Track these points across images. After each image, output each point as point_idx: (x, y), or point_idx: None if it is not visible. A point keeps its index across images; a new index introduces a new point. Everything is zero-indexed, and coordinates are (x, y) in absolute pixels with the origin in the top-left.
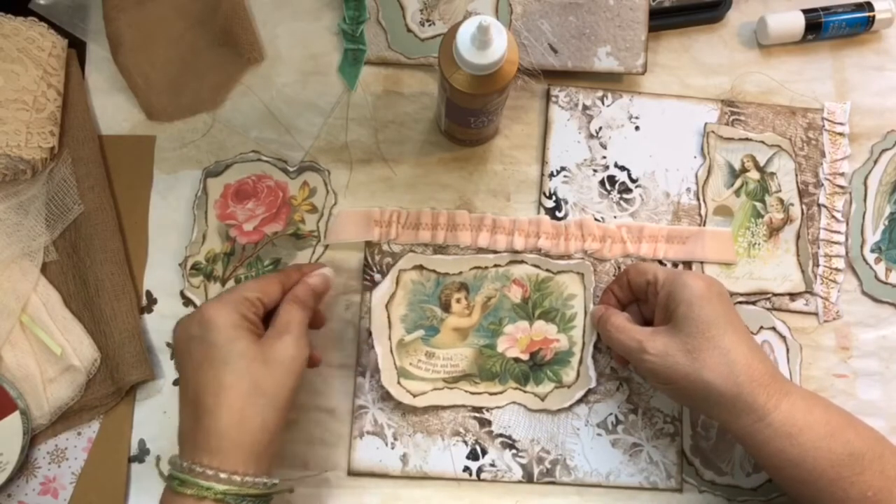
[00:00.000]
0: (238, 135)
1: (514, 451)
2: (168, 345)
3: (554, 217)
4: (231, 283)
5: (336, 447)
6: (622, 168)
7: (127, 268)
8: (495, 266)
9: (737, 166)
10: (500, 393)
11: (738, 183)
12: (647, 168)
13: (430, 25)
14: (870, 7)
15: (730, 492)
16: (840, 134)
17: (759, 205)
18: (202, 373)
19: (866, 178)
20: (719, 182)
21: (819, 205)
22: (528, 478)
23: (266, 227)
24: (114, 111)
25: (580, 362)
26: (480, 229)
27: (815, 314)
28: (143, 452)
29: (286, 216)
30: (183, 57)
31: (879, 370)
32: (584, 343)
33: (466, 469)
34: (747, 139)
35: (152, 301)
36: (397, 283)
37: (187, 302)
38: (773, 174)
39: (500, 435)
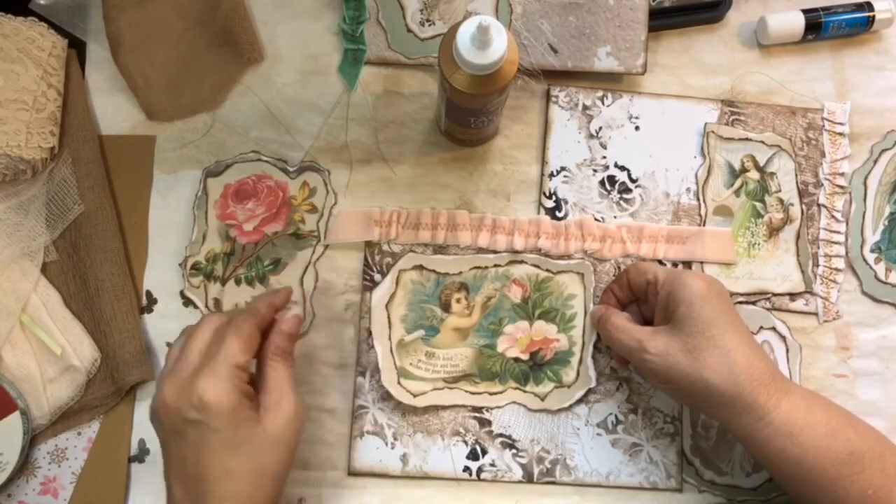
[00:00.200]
0: (238, 135)
1: (514, 450)
2: (169, 342)
3: (554, 217)
4: (231, 283)
5: (336, 447)
6: (622, 168)
7: (127, 268)
8: (495, 266)
9: (737, 166)
10: (500, 393)
11: (738, 183)
12: (647, 168)
13: (430, 25)
14: (870, 7)
15: (730, 492)
16: (840, 134)
17: (758, 205)
18: (203, 457)
19: (866, 178)
20: (719, 182)
21: (819, 205)
22: (528, 478)
23: (266, 227)
24: (114, 111)
25: (580, 362)
26: (480, 229)
27: (815, 314)
28: (143, 452)
29: (286, 216)
30: (183, 57)
31: (879, 370)
32: (583, 343)
33: (466, 469)
34: (747, 139)
35: (152, 301)
36: (397, 283)
37: (187, 302)
38: (773, 174)
39: (500, 435)
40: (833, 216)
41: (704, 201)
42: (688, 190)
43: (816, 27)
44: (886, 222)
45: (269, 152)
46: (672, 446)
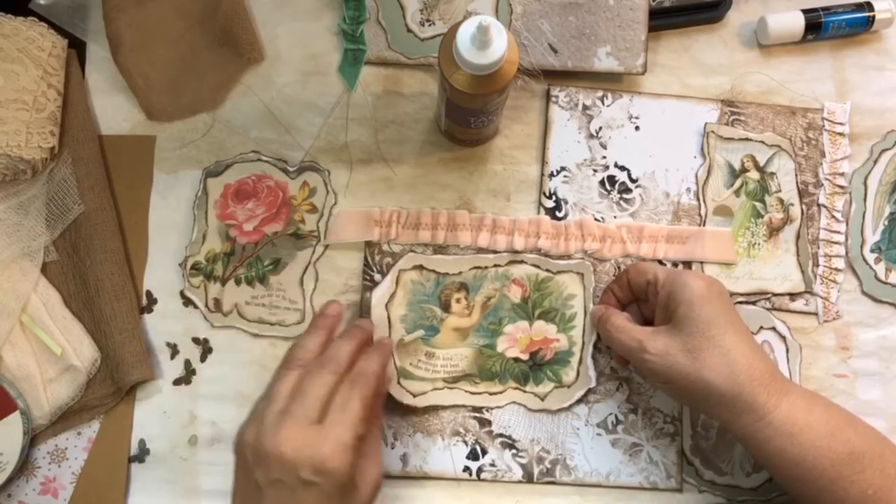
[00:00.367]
0: (238, 135)
1: (514, 450)
2: (169, 342)
3: (554, 217)
4: (231, 283)
5: None
6: (622, 168)
7: (127, 268)
8: (495, 266)
9: (737, 166)
10: (500, 393)
11: (738, 183)
12: (647, 168)
13: (430, 25)
14: (870, 7)
15: (730, 492)
16: (840, 134)
17: (758, 205)
18: None
19: (866, 178)
20: (719, 182)
21: (819, 205)
22: (528, 478)
23: (266, 227)
24: (114, 111)
25: (580, 362)
26: (480, 229)
27: (815, 314)
28: (143, 452)
29: (286, 216)
30: (183, 57)
31: (879, 370)
32: (583, 343)
33: (466, 469)
34: (747, 139)
35: (152, 301)
36: (397, 283)
37: (187, 302)
38: (773, 174)
39: (500, 435)
40: (833, 216)
41: (704, 201)
42: (688, 190)
43: (816, 27)
44: (886, 222)
45: (269, 152)
46: (672, 446)
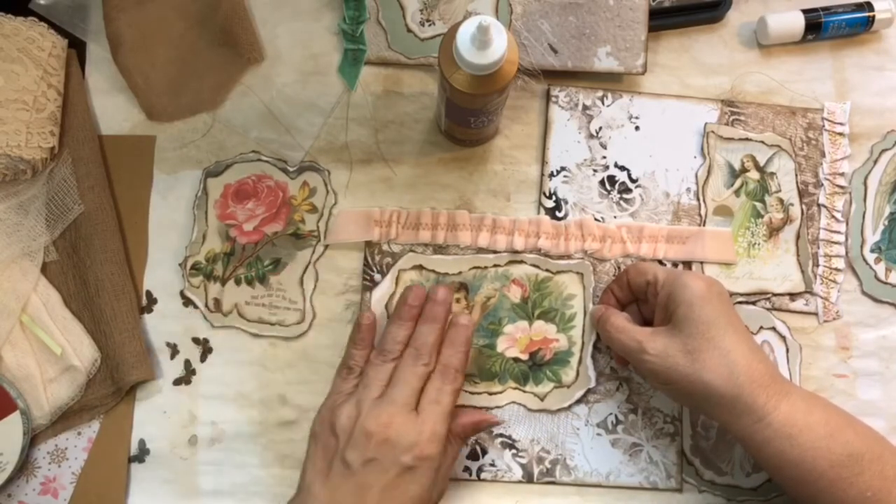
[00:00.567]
0: (238, 135)
1: (513, 450)
2: (169, 342)
3: (554, 217)
4: (231, 283)
5: None
6: (622, 168)
7: (127, 268)
8: (495, 266)
9: (737, 166)
10: (500, 393)
11: (738, 183)
12: (647, 168)
13: (430, 25)
14: (870, 7)
15: (730, 492)
16: (840, 134)
17: (758, 205)
18: (393, 498)
19: (866, 178)
20: (719, 182)
21: (819, 205)
22: (528, 478)
23: (266, 227)
24: (114, 111)
25: (580, 362)
26: (480, 229)
27: (815, 314)
28: (143, 452)
29: (286, 216)
30: (183, 57)
31: (879, 370)
32: (583, 343)
33: (466, 469)
34: (747, 139)
35: (152, 301)
36: (397, 282)
37: (187, 302)
38: (773, 174)
39: (500, 435)
40: (833, 216)
41: (704, 201)
42: (688, 190)
43: (816, 27)
44: (886, 222)
45: (269, 152)
46: (672, 446)
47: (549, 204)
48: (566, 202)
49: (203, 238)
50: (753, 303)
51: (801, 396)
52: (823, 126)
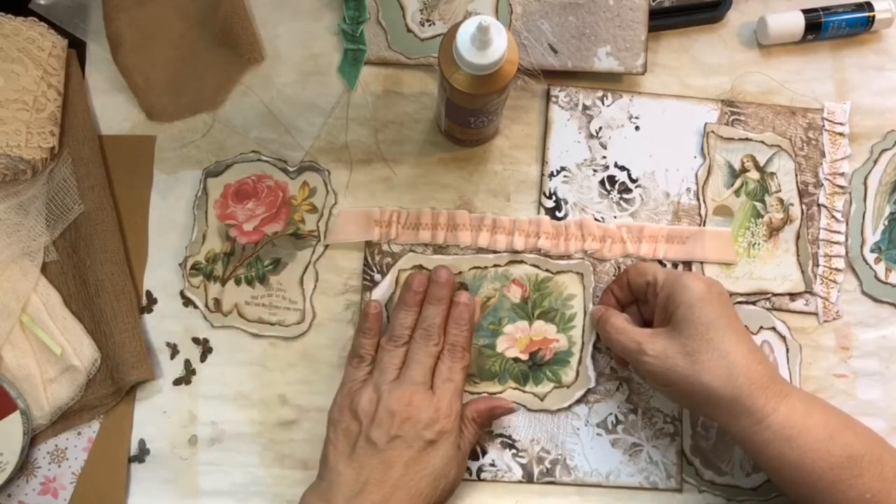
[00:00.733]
0: (238, 135)
1: (513, 450)
2: (169, 342)
3: (554, 217)
4: (231, 283)
5: None
6: (622, 168)
7: (127, 268)
8: (495, 266)
9: (737, 166)
10: (500, 393)
11: (737, 183)
12: (647, 168)
13: (430, 25)
14: (870, 7)
15: (729, 492)
16: (840, 134)
17: (758, 205)
18: (416, 472)
19: (866, 178)
20: (719, 182)
21: (819, 205)
22: (528, 478)
23: (266, 227)
24: (114, 111)
25: (579, 362)
26: (480, 229)
27: (815, 314)
28: (143, 452)
29: (286, 216)
30: (183, 57)
31: (879, 370)
32: (583, 343)
33: (466, 469)
34: (747, 139)
35: (152, 301)
36: (397, 283)
37: (187, 302)
38: (773, 174)
39: (500, 435)
40: (833, 216)
41: (704, 201)
42: (688, 190)
43: (816, 27)
44: (886, 222)
45: (269, 152)
46: (672, 446)
47: (549, 204)
48: (566, 202)
49: (203, 238)
50: (753, 303)
51: (801, 398)
52: (823, 126)
